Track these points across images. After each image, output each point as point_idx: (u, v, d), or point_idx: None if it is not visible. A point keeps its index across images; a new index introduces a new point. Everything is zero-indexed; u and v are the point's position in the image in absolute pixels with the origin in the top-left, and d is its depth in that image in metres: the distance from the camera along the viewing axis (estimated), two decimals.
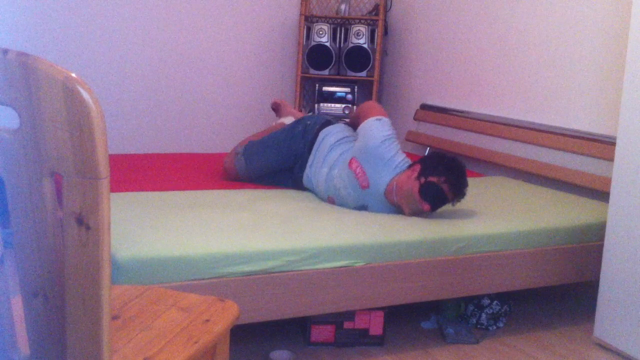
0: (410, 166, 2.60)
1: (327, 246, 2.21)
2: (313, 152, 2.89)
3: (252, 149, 3.04)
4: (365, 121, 2.72)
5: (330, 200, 2.73)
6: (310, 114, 4.27)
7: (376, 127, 2.66)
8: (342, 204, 2.68)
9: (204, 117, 4.48)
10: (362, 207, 2.64)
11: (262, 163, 3.01)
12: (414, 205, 2.51)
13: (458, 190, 2.51)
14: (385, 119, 2.72)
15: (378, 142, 2.61)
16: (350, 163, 2.66)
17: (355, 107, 4.48)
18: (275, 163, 3.00)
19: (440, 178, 2.47)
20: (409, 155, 4.06)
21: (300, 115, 3.43)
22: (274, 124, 3.46)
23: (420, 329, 2.61)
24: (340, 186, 2.67)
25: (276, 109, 3.54)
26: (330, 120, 3.05)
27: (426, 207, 2.49)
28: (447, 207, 2.62)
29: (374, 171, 2.59)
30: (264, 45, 4.60)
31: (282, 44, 4.66)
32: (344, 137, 2.86)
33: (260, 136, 3.21)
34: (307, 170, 2.88)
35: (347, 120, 3.15)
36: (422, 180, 2.48)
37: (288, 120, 3.36)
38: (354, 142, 2.79)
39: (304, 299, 2.17)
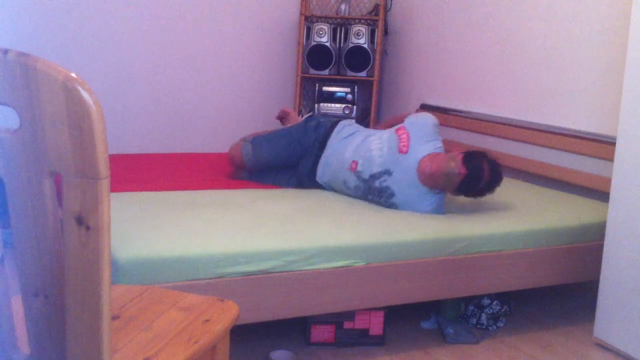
0: (451, 152, 2.72)
1: (327, 246, 2.21)
2: (332, 138, 2.95)
3: (261, 138, 3.06)
4: (418, 112, 2.96)
5: (353, 166, 2.76)
6: (310, 114, 4.27)
7: (431, 116, 2.85)
8: (364, 168, 2.73)
9: (204, 117, 4.48)
10: (385, 172, 2.68)
11: (269, 152, 3.01)
12: (451, 167, 2.57)
13: (494, 178, 2.62)
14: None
15: (433, 123, 2.79)
16: (398, 129, 2.79)
17: (355, 107, 4.48)
18: (282, 155, 3.01)
19: (484, 160, 2.60)
20: None
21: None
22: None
23: (420, 329, 2.61)
24: (374, 147, 2.76)
25: (283, 117, 3.54)
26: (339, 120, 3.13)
27: (463, 170, 2.56)
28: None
29: (418, 141, 2.71)
30: (264, 45, 4.60)
31: (282, 44, 4.66)
32: (369, 129, 3.00)
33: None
34: (325, 154, 2.92)
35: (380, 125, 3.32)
36: (468, 154, 2.61)
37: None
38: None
39: (304, 299, 2.17)
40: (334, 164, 2.86)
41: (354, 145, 2.83)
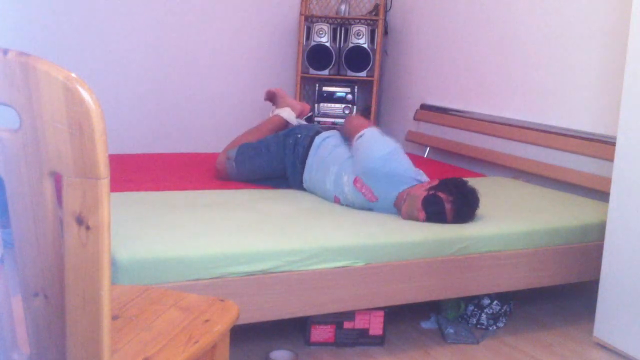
0: (430, 181, 2.60)
1: (327, 246, 2.20)
2: (311, 157, 2.86)
3: (244, 154, 3.00)
4: (357, 140, 2.69)
5: (337, 200, 2.72)
6: (310, 113, 4.25)
7: (373, 143, 2.64)
8: (348, 203, 2.67)
9: (204, 117, 4.48)
10: (368, 209, 2.63)
11: (253, 169, 2.99)
12: (413, 210, 2.50)
13: (459, 216, 2.50)
14: (375, 131, 2.72)
15: (379, 158, 2.58)
16: (355, 181, 2.63)
17: (355, 107, 4.48)
18: (266, 170, 2.98)
19: (448, 197, 2.47)
20: (409, 155, 4.07)
21: (300, 106, 3.35)
22: (270, 114, 3.36)
23: (420, 329, 2.61)
24: (347, 191, 2.66)
25: (271, 99, 3.43)
26: (319, 130, 3.01)
27: (421, 215, 2.47)
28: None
29: (381, 185, 2.57)
30: (264, 45, 4.60)
31: (282, 44, 4.66)
32: (345, 142, 2.85)
33: (254, 134, 3.16)
34: (307, 175, 2.86)
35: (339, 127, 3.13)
36: (432, 192, 2.48)
37: (285, 112, 3.27)
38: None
39: (304, 299, 2.17)
40: (318, 190, 2.81)
41: (331, 177, 2.72)
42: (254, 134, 3.19)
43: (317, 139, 2.91)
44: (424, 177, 2.67)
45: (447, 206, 2.47)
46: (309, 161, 2.86)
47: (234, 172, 3.01)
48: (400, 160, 2.64)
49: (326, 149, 2.85)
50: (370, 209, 2.62)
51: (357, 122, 2.83)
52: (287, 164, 2.94)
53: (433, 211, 2.47)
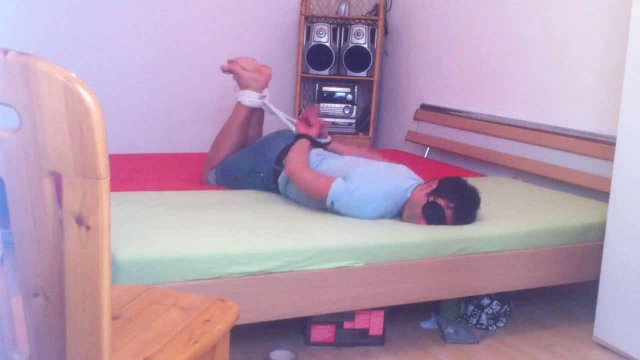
0: (427, 182, 2.57)
1: (327, 246, 2.20)
2: (285, 193, 2.72)
3: (222, 175, 2.90)
4: (330, 207, 2.48)
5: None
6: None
7: (348, 209, 2.44)
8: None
9: (204, 117, 4.48)
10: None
11: (234, 181, 2.88)
12: (414, 216, 2.49)
13: (458, 220, 2.48)
14: (336, 193, 2.44)
15: (367, 215, 2.45)
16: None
17: (355, 107, 4.48)
18: (249, 187, 2.85)
19: (448, 203, 2.45)
20: (409, 155, 4.09)
21: (259, 76, 3.01)
22: (236, 95, 3.06)
23: (420, 329, 2.61)
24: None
25: (231, 71, 3.03)
26: (278, 168, 2.75)
27: (422, 222, 2.47)
28: None
29: (382, 209, 2.48)
30: (264, 45, 4.60)
31: (282, 44, 4.66)
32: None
33: (225, 140, 2.95)
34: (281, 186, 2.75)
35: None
36: (431, 198, 2.45)
37: (246, 97, 2.96)
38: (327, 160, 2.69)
39: (304, 299, 2.17)
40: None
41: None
42: (224, 141, 2.98)
43: (280, 185, 2.73)
44: (412, 182, 2.57)
45: (448, 212, 2.46)
46: (285, 193, 2.72)
47: (217, 184, 2.95)
48: (383, 193, 2.47)
49: (292, 193, 2.67)
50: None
51: (296, 165, 2.57)
52: (265, 187, 2.82)
53: (433, 219, 2.46)
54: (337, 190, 2.44)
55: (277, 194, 2.80)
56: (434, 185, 2.51)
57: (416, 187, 2.54)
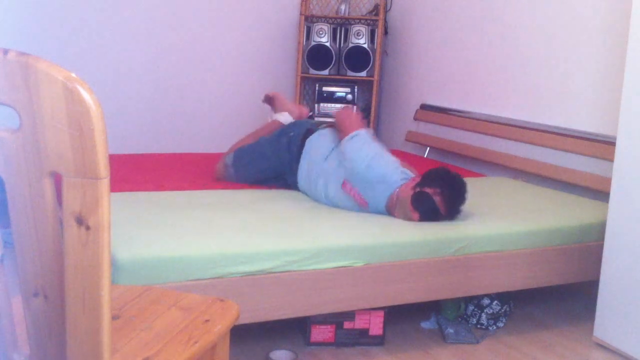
0: (413, 178, 2.60)
1: (327, 246, 2.20)
2: (302, 163, 2.85)
3: (241, 160, 3.01)
4: (344, 144, 2.67)
5: (327, 204, 2.71)
6: (311, 113, 4.25)
7: (357, 149, 2.62)
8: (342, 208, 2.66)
9: (204, 117, 4.48)
10: (362, 210, 2.62)
11: (252, 174, 2.99)
12: (406, 212, 2.50)
13: (451, 204, 2.50)
14: (362, 134, 2.67)
15: (363, 166, 2.57)
16: (343, 185, 2.63)
17: (355, 107, 4.47)
18: (264, 173, 2.98)
19: (435, 190, 2.47)
20: (409, 155, 4.08)
21: (298, 110, 3.34)
22: (269, 120, 3.37)
23: (420, 329, 2.61)
24: (340, 204, 2.65)
25: (270, 102, 3.43)
26: (312, 128, 2.99)
27: (415, 216, 2.47)
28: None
29: (369, 191, 2.57)
30: (264, 45, 4.60)
31: (282, 44, 4.66)
32: (334, 149, 2.80)
33: (252, 138, 3.16)
34: (301, 182, 2.85)
35: (331, 123, 3.09)
36: (417, 189, 2.48)
37: (283, 117, 3.28)
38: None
39: (304, 299, 2.17)
40: (312, 197, 2.78)
41: (321, 190, 2.71)
42: (250, 138, 3.19)
43: (308, 144, 2.89)
44: (404, 177, 2.62)
45: (437, 199, 2.47)
46: (301, 163, 2.86)
47: (233, 179, 3.01)
48: (383, 165, 2.60)
49: (317, 158, 2.81)
50: (365, 211, 2.61)
51: (349, 121, 2.77)
52: (284, 163, 2.94)
53: (425, 209, 2.47)
54: (365, 133, 2.71)
55: (277, 194, 2.80)
56: (418, 178, 2.55)
57: (401, 186, 2.55)
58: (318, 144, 2.88)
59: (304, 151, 2.88)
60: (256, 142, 3.08)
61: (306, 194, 2.84)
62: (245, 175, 3.00)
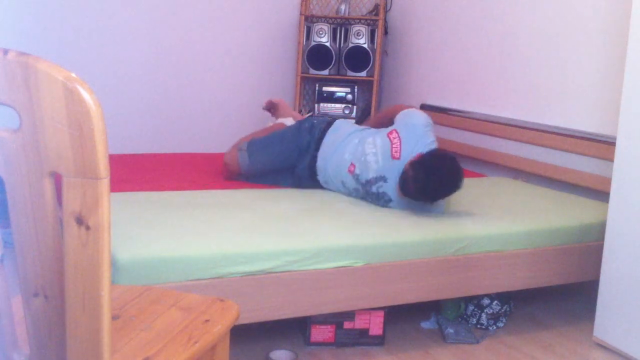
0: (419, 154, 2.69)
1: (327, 246, 2.21)
2: (329, 135, 2.95)
3: (256, 145, 3.05)
4: (409, 109, 2.91)
5: (350, 169, 2.75)
6: (310, 113, 4.26)
7: (422, 114, 2.85)
8: (361, 172, 2.72)
9: (204, 117, 4.48)
10: (381, 179, 2.66)
11: (266, 158, 3.02)
12: (405, 171, 2.61)
13: (421, 189, 2.54)
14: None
15: (423, 123, 2.77)
16: (390, 132, 2.75)
17: (355, 107, 4.47)
18: (278, 159, 3.01)
19: (413, 172, 2.53)
20: None
21: (301, 117, 3.41)
22: (270, 124, 3.43)
23: (420, 329, 2.61)
24: (369, 151, 2.73)
25: (271, 109, 3.50)
26: (334, 120, 3.11)
27: (401, 194, 2.60)
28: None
29: (409, 146, 2.67)
30: (264, 45, 4.60)
31: (282, 44, 4.66)
32: (364, 128, 2.96)
33: (263, 134, 3.20)
34: (322, 152, 2.90)
35: (368, 121, 3.27)
36: (407, 166, 2.57)
37: (288, 121, 3.33)
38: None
39: (304, 299, 2.17)
40: (332, 165, 2.85)
41: (351, 147, 2.81)
42: (261, 134, 3.23)
43: (336, 123, 3.03)
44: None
45: (410, 180, 2.54)
46: (325, 139, 2.94)
47: (246, 163, 3.01)
48: (431, 137, 2.76)
49: (346, 129, 2.95)
50: (382, 178, 2.65)
51: (399, 107, 3.01)
52: (302, 146, 2.97)
53: (402, 186, 2.57)
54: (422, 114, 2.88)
55: (277, 193, 2.80)
56: (419, 155, 2.62)
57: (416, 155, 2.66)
58: (346, 124, 3.04)
59: (330, 130, 2.98)
60: (273, 131, 3.16)
61: (323, 169, 2.88)
62: (258, 159, 3.01)
